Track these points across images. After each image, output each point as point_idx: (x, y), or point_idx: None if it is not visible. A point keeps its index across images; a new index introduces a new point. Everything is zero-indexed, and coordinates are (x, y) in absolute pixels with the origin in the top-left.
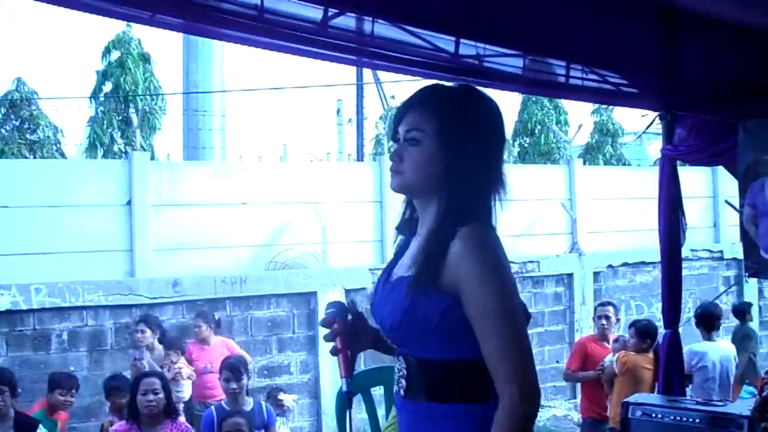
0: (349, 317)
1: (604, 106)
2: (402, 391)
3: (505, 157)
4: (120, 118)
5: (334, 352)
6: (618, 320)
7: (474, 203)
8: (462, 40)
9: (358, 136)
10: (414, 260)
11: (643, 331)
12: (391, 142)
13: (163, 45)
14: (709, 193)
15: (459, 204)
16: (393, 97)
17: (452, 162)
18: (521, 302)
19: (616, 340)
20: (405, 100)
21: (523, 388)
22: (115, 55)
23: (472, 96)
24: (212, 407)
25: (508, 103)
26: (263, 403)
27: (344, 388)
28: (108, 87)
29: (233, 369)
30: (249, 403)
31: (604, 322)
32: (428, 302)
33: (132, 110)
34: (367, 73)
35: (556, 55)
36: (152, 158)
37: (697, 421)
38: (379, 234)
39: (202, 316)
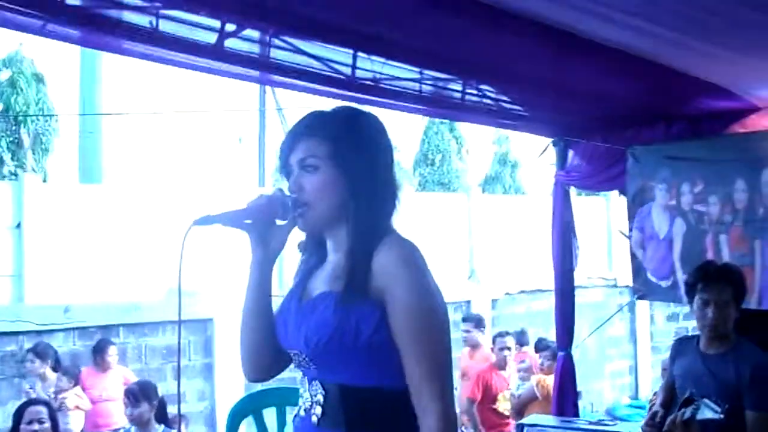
0: (288, 224)
1: (504, 137)
2: (314, 418)
3: (403, 182)
4: (10, 139)
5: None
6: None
7: (382, 216)
8: (358, 64)
9: (260, 161)
10: (336, 276)
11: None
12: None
13: (57, 66)
14: (603, 221)
15: (369, 221)
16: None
17: (353, 182)
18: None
19: (522, 362)
20: (291, 129)
21: (448, 408)
22: (6, 74)
23: (355, 114)
24: None
25: (409, 133)
26: None
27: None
28: None
29: (128, 394)
30: (155, 431)
31: (505, 352)
32: (360, 315)
33: (24, 131)
34: (269, 100)
35: (451, 72)
36: (44, 180)
37: None
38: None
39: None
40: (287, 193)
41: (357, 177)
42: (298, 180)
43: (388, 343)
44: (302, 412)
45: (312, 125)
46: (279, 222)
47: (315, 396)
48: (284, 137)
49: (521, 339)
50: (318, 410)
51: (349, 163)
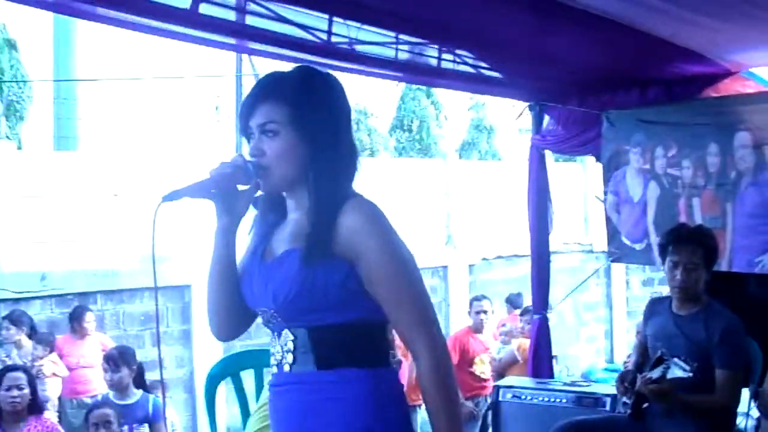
0: (251, 189)
1: (480, 103)
2: (286, 366)
3: (379, 147)
4: None
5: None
6: (493, 312)
7: (343, 178)
8: (334, 29)
9: (237, 128)
10: (299, 235)
11: None
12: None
13: (30, 32)
14: (580, 188)
15: (331, 184)
16: None
17: (313, 145)
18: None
19: (503, 325)
20: (251, 92)
21: (438, 342)
22: None
23: (313, 76)
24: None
25: (386, 99)
26: (151, 398)
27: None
28: None
29: (107, 360)
30: (134, 396)
31: (482, 316)
32: (326, 272)
33: None
34: (246, 66)
35: (427, 36)
36: (19, 148)
37: (564, 401)
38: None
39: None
40: (248, 158)
41: (317, 140)
42: (258, 145)
43: (356, 291)
44: (275, 368)
45: (271, 88)
46: (241, 187)
47: (285, 345)
48: (244, 100)
49: (516, 302)
50: (289, 358)
51: (309, 127)
